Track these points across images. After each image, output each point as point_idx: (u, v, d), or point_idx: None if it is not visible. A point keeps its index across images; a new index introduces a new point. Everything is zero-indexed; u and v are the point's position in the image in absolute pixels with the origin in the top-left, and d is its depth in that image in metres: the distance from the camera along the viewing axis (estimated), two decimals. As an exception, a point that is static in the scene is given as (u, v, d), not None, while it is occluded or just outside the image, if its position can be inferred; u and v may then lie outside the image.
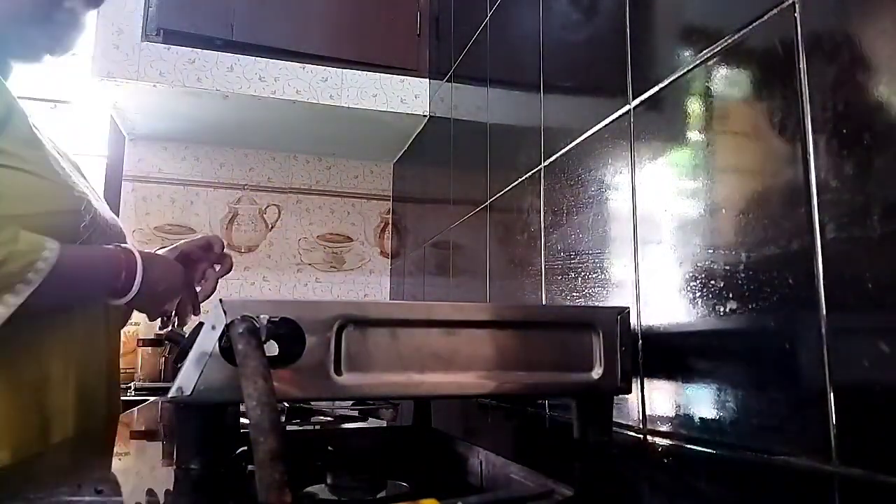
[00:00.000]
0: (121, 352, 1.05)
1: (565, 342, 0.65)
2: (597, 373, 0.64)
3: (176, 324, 0.99)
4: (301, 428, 0.86)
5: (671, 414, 0.72)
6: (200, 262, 1.04)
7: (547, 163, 1.08)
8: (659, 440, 0.73)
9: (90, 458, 0.72)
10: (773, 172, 0.60)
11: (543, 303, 1.05)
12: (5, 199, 0.76)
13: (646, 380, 0.77)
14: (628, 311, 0.66)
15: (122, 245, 0.87)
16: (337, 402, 1.00)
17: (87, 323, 0.88)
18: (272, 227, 2.43)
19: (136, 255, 0.84)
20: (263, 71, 1.86)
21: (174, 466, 0.57)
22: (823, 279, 0.53)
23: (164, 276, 0.88)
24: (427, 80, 2.00)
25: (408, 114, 1.98)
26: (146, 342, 1.95)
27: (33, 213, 0.77)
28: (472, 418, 1.01)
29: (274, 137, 2.30)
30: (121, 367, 1.05)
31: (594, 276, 0.91)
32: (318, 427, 0.88)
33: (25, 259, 0.72)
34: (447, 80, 1.79)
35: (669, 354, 0.73)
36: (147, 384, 1.89)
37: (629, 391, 0.66)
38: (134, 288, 0.83)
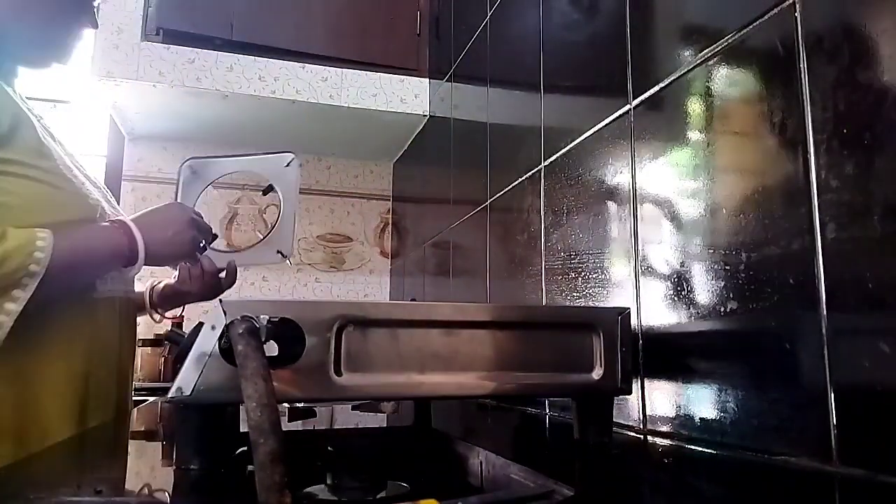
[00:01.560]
0: (135, 347, 1.04)
1: (566, 343, 0.64)
2: (597, 373, 0.64)
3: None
4: (301, 428, 0.86)
5: (671, 414, 0.72)
6: None
7: (547, 163, 1.08)
8: (659, 440, 0.73)
9: (92, 457, 0.72)
10: (774, 172, 0.60)
11: (543, 303, 1.05)
12: (20, 210, 0.76)
13: (646, 380, 0.77)
14: (628, 312, 0.66)
15: (113, 219, 0.87)
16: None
17: (96, 318, 0.87)
18: (272, 227, 2.43)
19: (129, 222, 0.85)
20: (263, 71, 1.86)
21: (174, 466, 0.57)
22: (824, 279, 0.53)
23: (164, 224, 0.90)
24: (427, 79, 2.00)
25: (408, 113, 1.98)
26: (146, 342, 1.95)
27: (48, 224, 0.77)
28: (472, 418, 1.01)
29: (274, 137, 2.29)
30: (135, 362, 1.04)
31: (594, 276, 0.91)
32: (317, 427, 0.87)
33: (22, 253, 0.72)
34: (447, 80, 1.79)
35: (670, 355, 0.73)
36: (147, 384, 1.89)
37: (629, 392, 0.66)
38: (140, 251, 0.84)
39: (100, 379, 0.87)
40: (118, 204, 1.02)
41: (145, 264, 0.85)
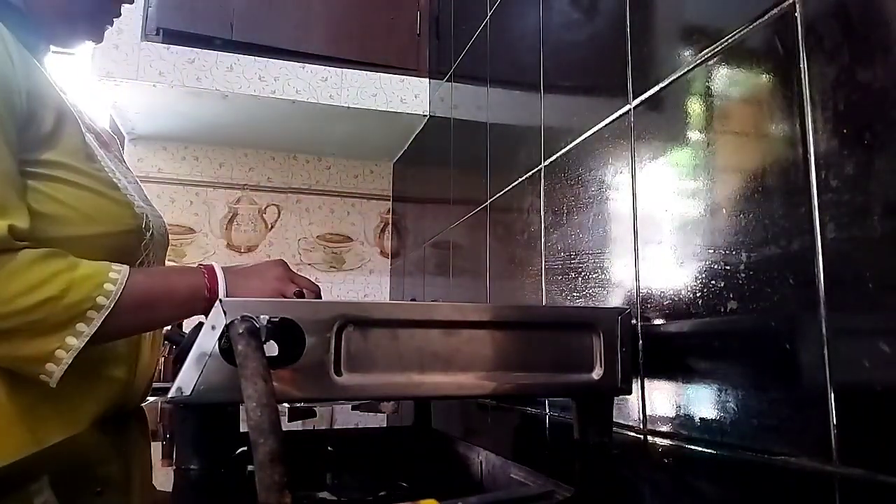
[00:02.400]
0: (160, 346, 1.03)
1: (566, 343, 0.64)
2: (597, 373, 0.64)
3: None
4: (301, 428, 0.86)
5: (671, 414, 0.72)
6: None
7: (547, 163, 1.08)
8: (659, 440, 0.73)
9: (97, 455, 0.72)
10: (774, 172, 0.60)
11: (543, 303, 1.05)
12: (65, 222, 0.72)
13: (646, 380, 0.77)
14: (629, 312, 0.66)
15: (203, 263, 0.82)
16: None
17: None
18: (272, 227, 2.43)
19: (215, 266, 0.79)
20: (263, 71, 1.86)
21: (174, 466, 0.57)
22: (824, 279, 0.53)
23: (252, 272, 0.82)
24: (427, 79, 2.00)
25: (408, 114, 1.98)
26: (146, 342, 1.95)
27: (94, 234, 0.74)
28: (472, 418, 1.01)
29: (274, 137, 2.29)
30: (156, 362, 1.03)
31: (594, 276, 0.91)
32: (317, 427, 0.88)
33: (90, 284, 0.68)
34: (447, 80, 1.79)
35: (670, 355, 0.73)
36: (147, 384, 1.89)
37: (630, 392, 0.66)
38: (221, 295, 0.76)
39: (136, 381, 0.87)
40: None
41: None
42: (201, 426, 0.55)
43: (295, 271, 0.86)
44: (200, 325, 0.53)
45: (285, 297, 0.79)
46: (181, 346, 0.58)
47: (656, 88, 0.79)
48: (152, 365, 0.99)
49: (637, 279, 0.80)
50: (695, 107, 0.72)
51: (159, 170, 2.35)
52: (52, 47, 0.85)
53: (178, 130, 2.23)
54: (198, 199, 2.38)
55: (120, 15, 0.88)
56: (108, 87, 1.82)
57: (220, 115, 2.05)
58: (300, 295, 0.81)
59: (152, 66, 1.79)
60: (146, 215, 0.84)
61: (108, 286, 0.69)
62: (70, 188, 0.74)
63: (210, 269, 0.78)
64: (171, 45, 1.81)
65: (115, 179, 0.80)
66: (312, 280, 0.89)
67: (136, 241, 0.81)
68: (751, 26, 0.64)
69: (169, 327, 1.00)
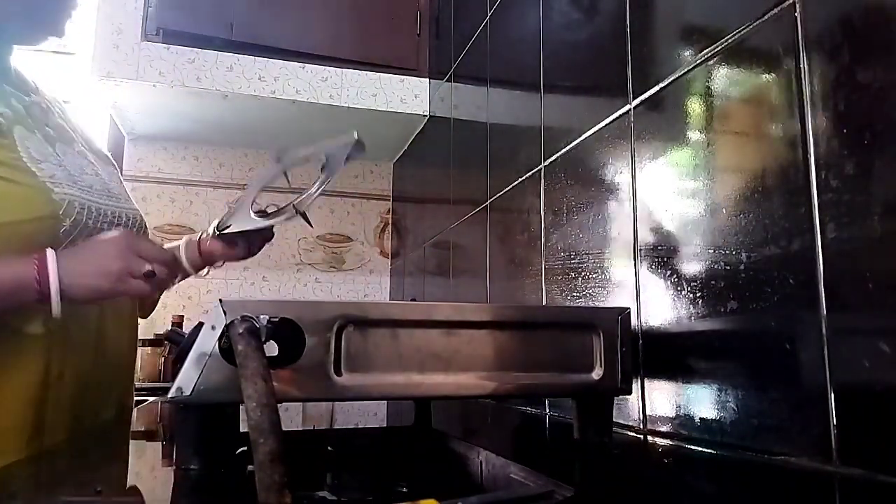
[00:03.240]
0: (136, 347, 1.00)
1: (565, 342, 0.65)
2: (597, 373, 0.64)
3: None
4: (301, 428, 0.86)
5: (671, 414, 0.72)
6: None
7: (547, 163, 1.08)
8: (659, 440, 0.73)
9: (92, 458, 0.72)
10: (774, 172, 0.60)
11: (544, 303, 1.05)
12: None
13: (646, 380, 0.77)
14: (629, 312, 0.66)
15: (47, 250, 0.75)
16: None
17: (83, 319, 0.83)
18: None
19: (49, 253, 0.73)
20: (263, 71, 1.86)
21: (174, 466, 0.57)
22: (824, 279, 0.53)
23: (91, 256, 0.75)
24: (427, 79, 2.00)
25: (408, 114, 1.98)
26: (146, 342, 1.95)
27: (3, 222, 0.74)
28: (472, 418, 1.01)
29: (274, 137, 2.29)
30: (135, 362, 1.01)
31: (594, 276, 0.91)
32: (317, 427, 0.88)
33: None
34: (447, 80, 1.79)
35: (670, 355, 0.73)
36: (147, 384, 1.89)
37: (629, 392, 0.66)
38: (52, 286, 0.71)
39: (71, 391, 0.83)
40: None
41: (78, 301, 0.74)
42: (201, 426, 0.55)
43: (142, 238, 0.78)
44: (200, 325, 0.53)
45: (134, 277, 0.74)
46: (181, 347, 0.57)
47: (656, 88, 0.79)
48: (128, 365, 0.97)
49: (637, 279, 0.80)
50: (695, 107, 0.72)
51: (159, 170, 2.35)
52: (17, 46, 0.86)
53: (178, 130, 2.23)
54: (198, 198, 2.38)
55: (78, 6, 0.87)
56: (108, 87, 1.82)
57: (220, 115, 2.05)
58: (150, 274, 0.74)
59: (152, 66, 1.79)
60: (72, 203, 0.81)
61: None
62: None
63: (42, 258, 0.72)
64: (171, 45, 1.81)
65: (33, 169, 0.79)
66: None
67: (52, 229, 0.78)
68: (751, 26, 0.64)
69: (169, 327, 0.99)
